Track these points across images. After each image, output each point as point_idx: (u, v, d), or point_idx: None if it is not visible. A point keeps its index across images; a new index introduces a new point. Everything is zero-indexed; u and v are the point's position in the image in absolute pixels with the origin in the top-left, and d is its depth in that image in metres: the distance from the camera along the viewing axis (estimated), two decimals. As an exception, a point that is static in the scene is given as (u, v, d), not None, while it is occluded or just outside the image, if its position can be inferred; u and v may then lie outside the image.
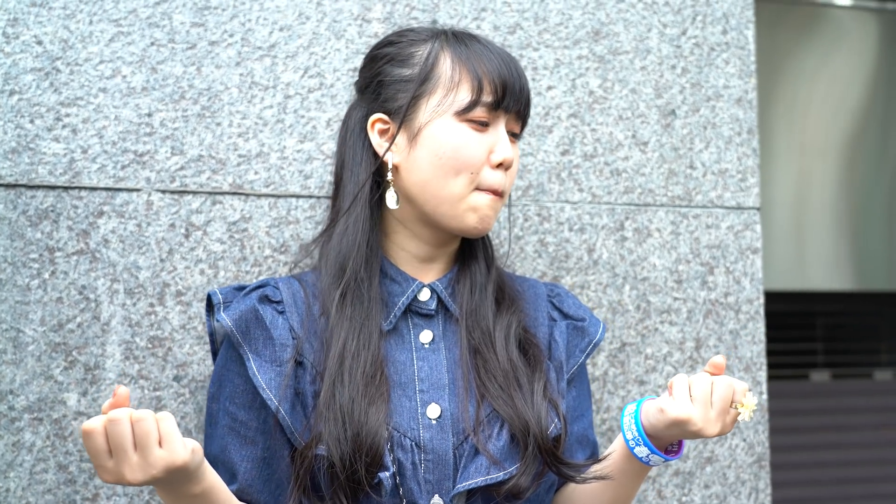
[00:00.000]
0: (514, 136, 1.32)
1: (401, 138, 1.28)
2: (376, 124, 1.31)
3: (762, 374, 1.76)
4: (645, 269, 1.72)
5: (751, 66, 1.82)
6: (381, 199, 1.30)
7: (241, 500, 1.22)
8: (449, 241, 1.33)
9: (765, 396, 1.76)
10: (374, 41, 1.64)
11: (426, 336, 1.27)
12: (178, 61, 1.57)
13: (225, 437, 1.24)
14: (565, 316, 1.36)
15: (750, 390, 1.17)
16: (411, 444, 1.19)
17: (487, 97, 1.25)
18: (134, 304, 1.51)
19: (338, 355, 1.20)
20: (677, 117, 1.77)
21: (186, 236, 1.54)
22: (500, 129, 1.27)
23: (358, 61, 1.63)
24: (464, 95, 1.25)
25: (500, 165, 1.26)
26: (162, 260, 1.53)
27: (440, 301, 1.30)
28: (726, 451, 1.72)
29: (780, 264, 2.86)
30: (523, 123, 1.33)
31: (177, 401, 1.50)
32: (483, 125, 1.26)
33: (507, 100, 1.26)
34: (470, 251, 1.34)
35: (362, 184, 1.29)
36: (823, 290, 2.95)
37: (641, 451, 1.19)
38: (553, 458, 1.20)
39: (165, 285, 1.52)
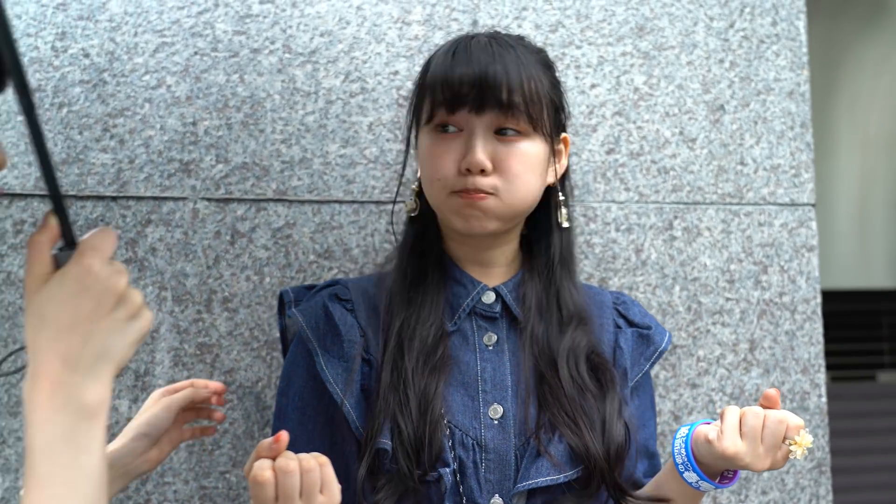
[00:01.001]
0: (513, 131, 1.21)
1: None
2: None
3: (820, 377, 1.70)
4: (695, 270, 1.67)
5: (803, 57, 1.76)
6: None
7: None
8: (492, 243, 1.29)
9: (823, 399, 1.70)
10: (414, 44, 1.64)
11: (490, 338, 1.27)
12: (220, 70, 1.59)
13: (294, 431, 1.24)
14: (631, 324, 1.34)
15: (805, 428, 1.11)
16: (472, 443, 1.19)
17: (439, 102, 1.21)
18: (182, 311, 1.53)
19: (402, 353, 1.22)
20: (726, 112, 1.72)
21: (232, 243, 1.55)
22: (474, 132, 1.20)
23: (399, 64, 1.63)
24: (427, 105, 1.23)
25: (468, 170, 1.19)
26: (208, 267, 1.54)
27: (505, 304, 1.29)
28: (784, 456, 1.67)
29: (842, 262, 2.77)
30: (514, 115, 1.19)
31: (224, 407, 1.51)
32: (450, 131, 1.21)
33: (462, 99, 1.19)
34: (537, 255, 1.31)
35: (417, 191, 1.31)
36: (889, 287, 2.85)
37: (691, 476, 1.16)
38: (617, 490, 1.19)
39: (212, 292, 1.54)
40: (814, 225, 1.74)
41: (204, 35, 1.59)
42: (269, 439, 1.01)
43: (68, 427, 0.74)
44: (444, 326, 1.25)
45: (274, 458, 1.01)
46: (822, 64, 2.60)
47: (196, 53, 1.58)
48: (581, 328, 1.27)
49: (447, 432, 1.19)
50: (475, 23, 1.65)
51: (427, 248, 1.30)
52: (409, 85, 1.63)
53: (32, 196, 1.52)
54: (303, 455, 1.01)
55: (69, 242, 0.78)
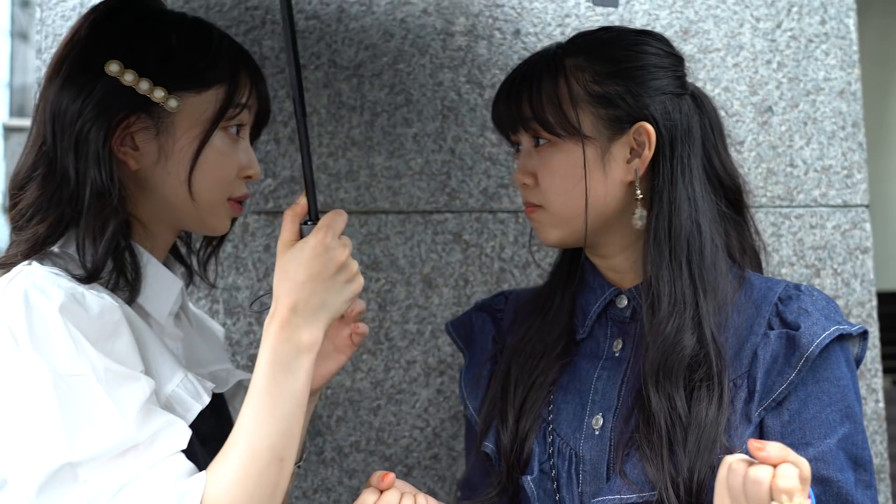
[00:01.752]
0: (544, 141, 1.20)
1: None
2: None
3: (877, 381, 1.66)
4: (745, 273, 1.65)
5: (853, 56, 1.73)
6: None
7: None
8: (605, 251, 1.23)
9: (881, 404, 1.66)
10: (458, 55, 1.65)
11: (617, 345, 1.23)
12: (268, 86, 1.61)
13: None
14: (783, 323, 1.16)
15: (800, 492, 0.91)
16: (571, 453, 1.18)
17: (495, 128, 1.32)
18: (234, 324, 1.56)
19: (517, 361, 1.26)
20: (774, 114, 1.70)
21: (281, 256, 1.58)
22: (522, 149, 1.26)
23: (443, 75, 1.64)
24: None
25: None
26: (259, 280, 1.57)
27: (636, 310, 1.21)
28: (841, 462, 1.64)
29: (899, 262, 2.70)
30: (531, 125, 1.21)
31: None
32: (518, 149, 1.28)
33: (500, 120, 1.27)
34: (650, 248, 1.18)
35: None
36: (949, 288, 2.78)
37: None
38: None
39: (263, 305, 1.56)
40: (867, 226, 1.71)
41: (252, 52, 1.62)
42: (378, 474, 1.08)
43: (285, 356, 0.99)
44: (567, 332, 1.26)
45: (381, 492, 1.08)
46: (875, 62, 2.55)
47: (244, 70, 1.61)
48: (685, 318, 1.13)
49: (549, 440, 1.20)
50: (517, 32, 1.66)
51: (566, 258, 1.31)
52: (453, 95, 1.64)
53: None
54: (409, 493, 1.08)
55: (313, 218, 1.06)
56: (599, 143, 1.17)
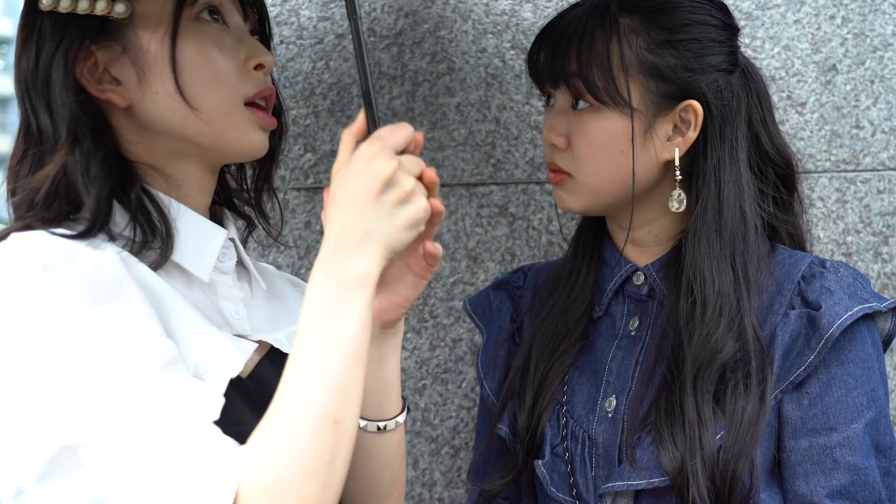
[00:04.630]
0: (585, 103, 1.14)
1: None
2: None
3: (951, 353, 1.58)
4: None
5: (925, 8, 1.62)
6: None
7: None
8: (627, 222, 1.16)
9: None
10: (501, 19, 1.58)
11: (633, 323, 1.19)
12: (306, 58, 1.57)
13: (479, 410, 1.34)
14: (805, 303, 1.10)
15: None
16: (584, 436, 1.15)
17: (532, 75, 1.24)
18: (277, 302, 1.54)
19: (537, 340, 1.21)
20: (839, 73, 1.60)
21: (322, 233, 1.54)
22: (555, 106, 1.19)
23: (486, 41, 1.58)
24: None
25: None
26: (300, 258, 1.54)
27: (653, 287, 1.17)
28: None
29: (972, 225, 2.57)
30: (576, 86, 1.14)
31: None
32: (551, 103, 1.21)
33: (540, 72, 1.20)
34: (691, 239, 1.13)
35: None
36: None
37: None
38: None
39: (305, 282, 1.53)
40: (940, 190, 1.61)
41: (289, 23, 1.58)
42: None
43: (332, 295, 0.80)
44: (589, 311, 1.21)
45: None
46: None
47: (282, 42, 1.57)
48: (727, 320, 1.08)
49: (563, 421, 1.16)
50: (564, -7, 1.59)
51: (589, 233, 1.25)
52: (497, 62, 1.57)
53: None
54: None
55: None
56: (644, 117, 1.12)
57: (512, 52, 1.58)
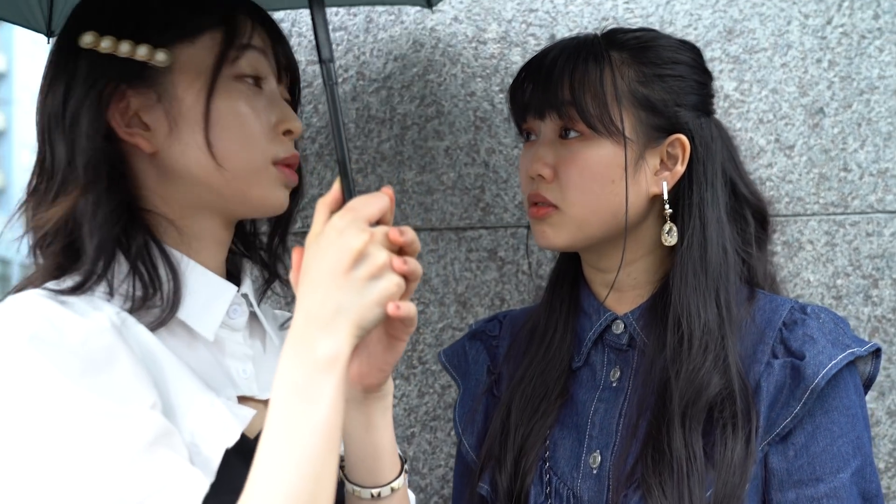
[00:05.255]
0: (574, 133, 1.12)
1: None
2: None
3: (942, 396, 1.57)
4: (798, 286, 1.57)
5: (910, 51, 1.63)
6: None
7: None
8: (607, 264, 1.15)
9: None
10: (490, 63, 1.58)
11: (615, 374, 1.16)
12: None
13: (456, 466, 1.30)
14: (788, 351, 1.09)
15: None
16: (568, 494, 1.12)
17: (515, 109, 1.19)
18: (264, 347, 1.52)
19: (517, 395, 1.18)
20: (826, 115, 1.61)
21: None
22: (539, 137, 1.16)
23: (475, 85, 1.58)
24: (512, 115, 1.23)
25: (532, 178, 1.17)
26: (288, 303, 1.52)
27: (633, 336, 1.15)
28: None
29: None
30: (568, 114, 1.13)
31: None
32: (531, 139, 1.18)
33: (526, 102, 1.17)
34: (677, 274, 1.12)
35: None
36: None
37: None
38: None
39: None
40: (929, 232, 1.61)
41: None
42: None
43: (301, 379, 0.76)
44: (569, 363, 1.18)
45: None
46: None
47: (269, 86, 1.57)
48: (713, 356, 1.07)
49: (546, 478, 1.13)
50: (552, 37, 1.59)
51: (566, 282, 1.22)
52: (486, 106, 1.58)
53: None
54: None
55: None
56: (636, 147, 1.11)
57: (500, 95, 1.58)
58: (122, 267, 0.89)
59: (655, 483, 1.04)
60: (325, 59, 0.90)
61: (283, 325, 1.09)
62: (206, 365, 0.91)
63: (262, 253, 1.05)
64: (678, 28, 1.61)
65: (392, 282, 0.80)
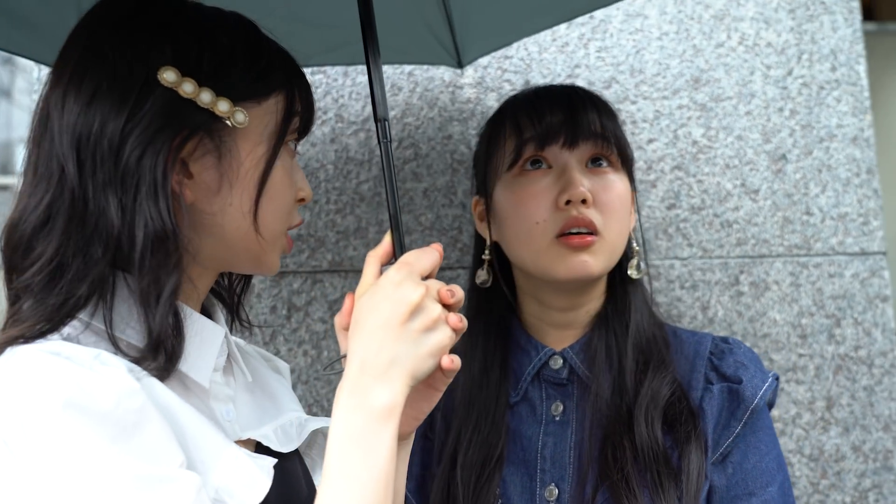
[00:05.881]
0: (606, 162, 1.17)
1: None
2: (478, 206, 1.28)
3: (904, 433, 1.62)
4: (765, 325, 1.62)
5: (865, 102, 1.71)
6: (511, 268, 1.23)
7: None
8: (580, 300, 1.18)
9: (908, 457, 1.62)
10: (467, 107, 1.62)
11: (557, 408, 1.18)
12: (273, 142, 1.58)
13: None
14: (722, 377, 1.16)
15: None
16: None
17: (528, 138, 1.15)
18: (241, 388, 1.51)
19: (456, 437, 1.17)
20: (789, 161, 1.68)
21: (288, 318, 1.53)
22: (568, 165, 1.14)
23: (452, 128, 1.61)
24: (510, 146, 1.18)
25: (567, 203, 1.13)
26: (265, 343, 1.52)
27: (572, 369, 1.18)
28: (869, 518, 1.59)
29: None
30: (608, 145, 1.17)
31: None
32: (541, 167, 1.16)
33: (555, 131, 1.14)
34: (612, 310, 1.19)
35: (489, 259, 1.23)
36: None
37: None
38: None
39: (336, 369, 1.51)
40: (886, 274, 1.67)
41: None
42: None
43: (359, 427, 0.78)
44: (506, 401, 1.18)
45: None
46: (878, 109, 2.54)
47: (248, 127, 1.58)
48: (660, 372, 1.14)
49: None
50: (527, 83, 1.63)
51: (492, 319, 1.23)
52: (463, 149, 1.60)
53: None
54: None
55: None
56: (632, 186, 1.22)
57: (477, 138, 1.61)
58: (122, 313, 0.83)
59: (619, 479, 1.07)
60: (380, 118, 0.94)
61: (326, 369, 1.08)
62: (202, 412, 0.87)
63: (222, 293, 1.02)
64: (647, 76, 1.66)
65: (446, 335, 0.83)
